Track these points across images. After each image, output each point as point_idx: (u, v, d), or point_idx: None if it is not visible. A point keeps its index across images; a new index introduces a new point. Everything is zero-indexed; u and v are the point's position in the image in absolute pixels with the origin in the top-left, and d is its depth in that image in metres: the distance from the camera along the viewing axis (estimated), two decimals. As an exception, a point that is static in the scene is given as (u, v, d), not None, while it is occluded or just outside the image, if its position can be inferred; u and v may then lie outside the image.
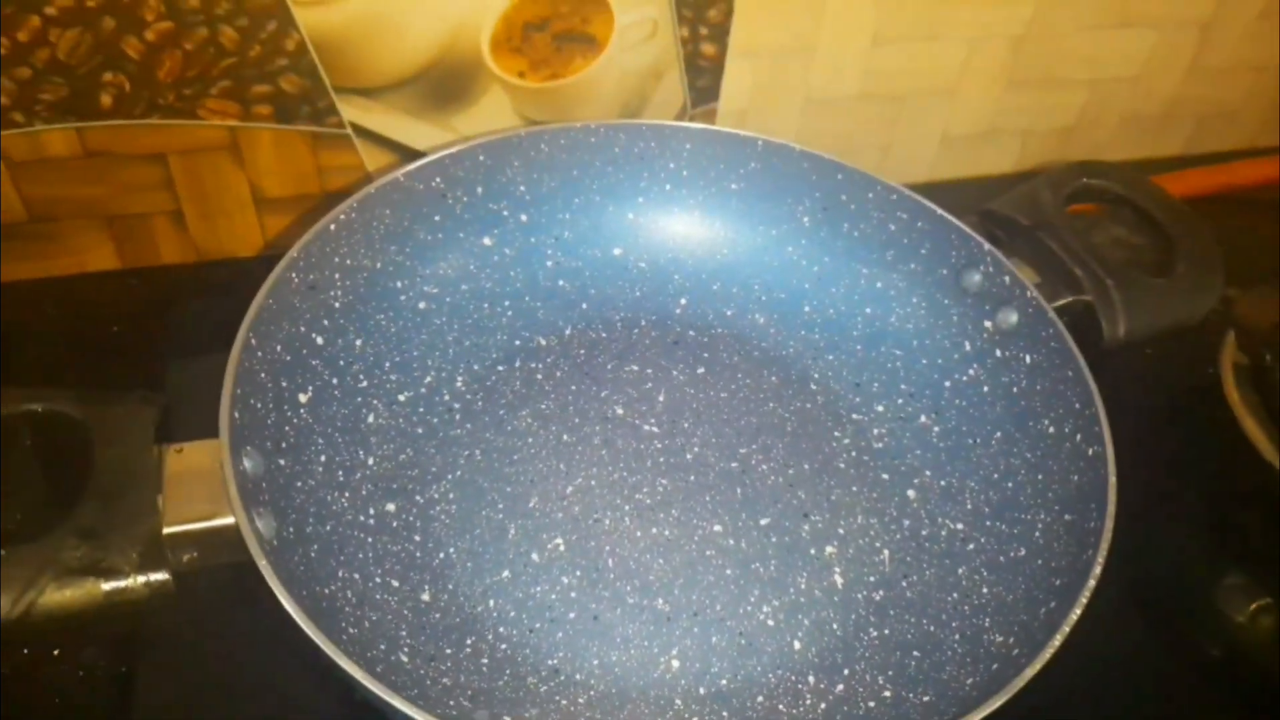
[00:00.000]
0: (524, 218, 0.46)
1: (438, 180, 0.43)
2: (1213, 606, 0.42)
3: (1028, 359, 0.41)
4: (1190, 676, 0.40)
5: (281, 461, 0.35)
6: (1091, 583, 0.31)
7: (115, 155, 0.46)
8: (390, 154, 0.49)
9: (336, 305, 0.40)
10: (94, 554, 0.28)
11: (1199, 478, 0.46)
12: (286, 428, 0.36)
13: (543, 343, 0.45)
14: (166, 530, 0.30)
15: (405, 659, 0.34)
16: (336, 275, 0.40)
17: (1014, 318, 0.42)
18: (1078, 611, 0.31)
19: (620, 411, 0.43)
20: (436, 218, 0.44)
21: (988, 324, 0.43)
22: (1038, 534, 0.37)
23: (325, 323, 0.40)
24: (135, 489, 0.30)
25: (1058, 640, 0.30)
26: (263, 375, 0.36)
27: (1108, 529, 0.33)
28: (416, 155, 0.49)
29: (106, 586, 0.28)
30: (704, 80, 0.50)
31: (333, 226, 0.39)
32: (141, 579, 0.29)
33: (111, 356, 0.46)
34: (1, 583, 0.26)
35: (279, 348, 0.37)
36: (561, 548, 0.38)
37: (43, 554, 0.27)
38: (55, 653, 0.35)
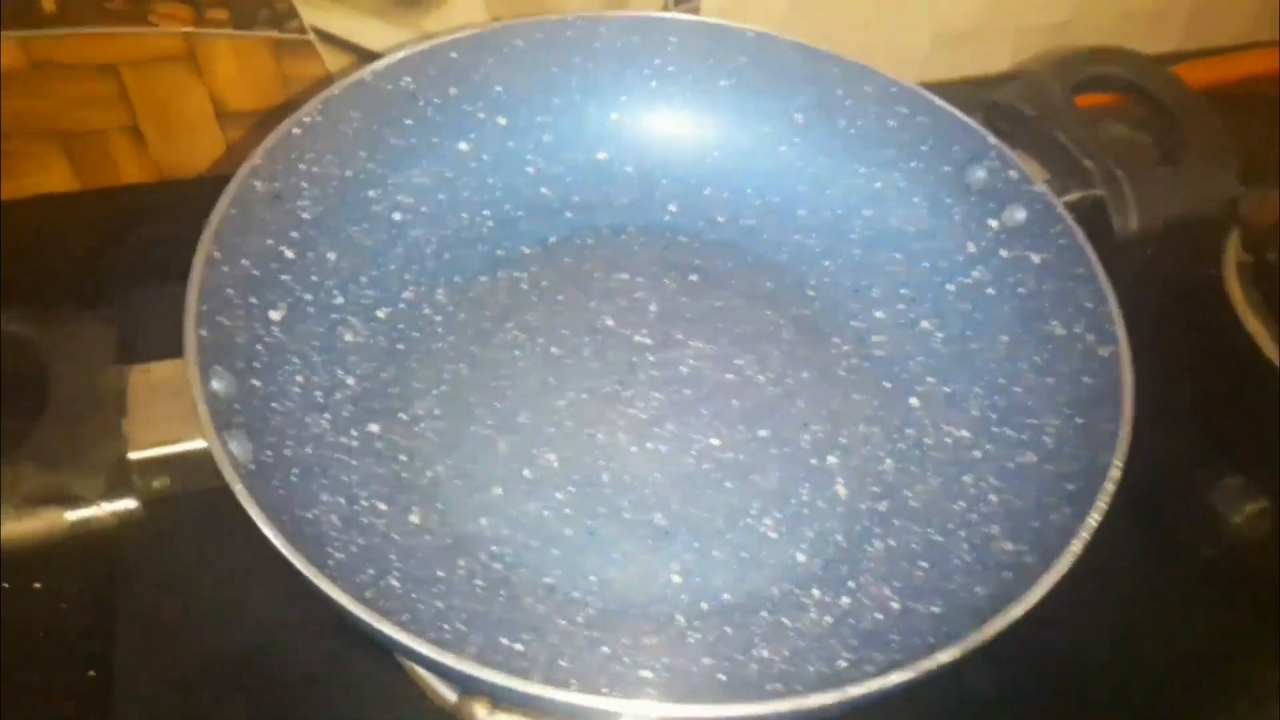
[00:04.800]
0: (501, 120, 0.43)
1: (407, 80, 0.40)
2: (1210, 508, 0.41)
3: (1036, 258, 0.39)
4: (1186, 579, 0.39)
5: (255, 382, 0.33)
6: (1111, 486, 0.30)
7: (63, 66, 0.44)
8: (356, 61, 0.46)
9: (306, 216, 0.37)
10: (55, 482, 0.26)
11: (1200, 377, 0.45)
12: (259, 346, 0.34)
13: (526, 252, 0.43)
14: (132, 455, 0.28)
15: (396, 583, 0.32)
16: (304, 184, 0.37)
17: (1021, 215, 0.40)
18: (1097, 517, 0.29)
19: (611, 322, 0.41)
20: (408, 121, 0.41)
21: (993, 223, 0.41)
22: (1047, 438, 0.36)
23: (295, 235, 0.37)
24: (96, 412, 0.28)
25: (1076, 546, 0.29)
26: (230, 291, 0.33)
27: (1125, 432, 0.31)
28: (384, 60, 0.47)
29: (71, 516, 0.27)
30: (688, -28, 0.48)
31: (296, 130, 0.37)
32: (109, 507, 0.27)
33: (72, 282, 0.44)
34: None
35: (245, 261, 0.35)
36: (555, 463, 0.37)
37: (-1, 483, 0.25)
38: (36, 586, 0.34)
